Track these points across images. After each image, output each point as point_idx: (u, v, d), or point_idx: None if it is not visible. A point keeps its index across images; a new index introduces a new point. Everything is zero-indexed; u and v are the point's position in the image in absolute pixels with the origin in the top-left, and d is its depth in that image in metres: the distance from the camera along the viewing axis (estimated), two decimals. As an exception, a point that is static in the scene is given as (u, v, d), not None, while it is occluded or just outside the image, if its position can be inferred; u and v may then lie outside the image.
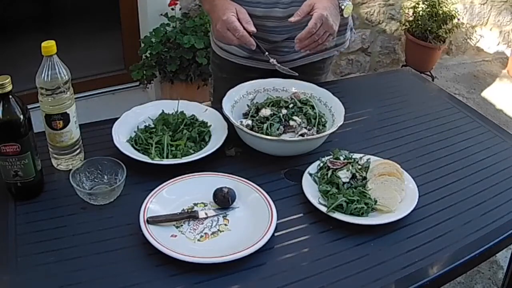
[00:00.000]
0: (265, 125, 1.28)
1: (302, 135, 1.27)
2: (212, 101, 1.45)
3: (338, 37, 1.55)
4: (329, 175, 1.18)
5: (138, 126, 1.31)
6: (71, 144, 1.18)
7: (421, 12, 3.49)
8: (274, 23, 1.44)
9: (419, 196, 1.15)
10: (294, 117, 1.30)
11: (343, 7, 1.37)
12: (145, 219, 1.03)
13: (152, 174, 1.18)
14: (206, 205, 1.12)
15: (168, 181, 1.14)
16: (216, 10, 1.35)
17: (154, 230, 1.02)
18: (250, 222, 1.08)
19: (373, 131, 1.44)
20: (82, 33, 3.23)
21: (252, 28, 1.32)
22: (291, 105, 1.34)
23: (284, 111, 1.32)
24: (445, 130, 1.47)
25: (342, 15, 1.38)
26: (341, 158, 1.23)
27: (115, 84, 3.20)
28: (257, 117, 1.31)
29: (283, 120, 1.29)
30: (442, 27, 3.47)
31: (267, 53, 1.37)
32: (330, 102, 1.36)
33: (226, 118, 1.30)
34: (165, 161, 1.20)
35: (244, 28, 1.31)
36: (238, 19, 1.31)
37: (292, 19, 1.34)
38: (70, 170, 1.13)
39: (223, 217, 1.10)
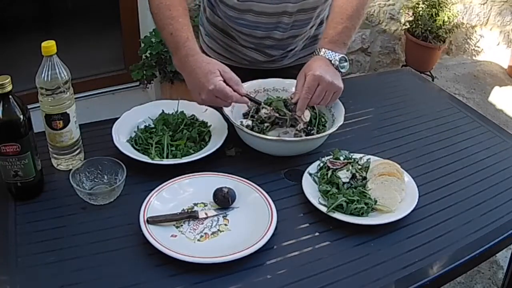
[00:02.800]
0: (265, 125, 1.28)
1: (302, 130, 1.26)
2: None
3: None
4: (329, 175, 1.18)
5: (138, 126, 1.31)
6: (71, 144, 1.18)
7: (421, 12, 3.49)
8: (273, 42, 1.45)
9: (419, 196, 1.15)
10: (265, 106, 1.31)
11: (343, 70, 1.29)
12: (145, 219, 1.03)
13: (152, 174, 1.18)
14: (206, 205, 1.12)
15: (168, 181, 1.14)
16: (194, 75, 1.19)
17: (154, 230, 1.02)
18: (250, 222, 1.08)
19: (373, 131, 1.44)
20: (82, 33, 3.23)
21: (243, 91, 1.21)
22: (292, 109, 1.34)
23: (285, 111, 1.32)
24: (445, 130, 1.47)
25: (340, 72, 1.30)
26: (341, 158, 1.23)
27: (115, 84, 3.20)
28: (257, 117, 1.31)
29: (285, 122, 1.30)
30: (442, 27, 3.47)
31: (262, 103, 1.30)
32: (330, 102, 1.36)
33: (226, 118, 1.30)
34: (165, 161, 1.20)
35: (234, 90, 1.19)
36: (224, 81, 1.18)
37: (293, 100, 1.27)
38: (70, 170, 1.13)
39: (223, 217, 1.10)
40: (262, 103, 1.30)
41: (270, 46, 1.46)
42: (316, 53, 1.31)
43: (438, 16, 3.45)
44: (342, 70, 1.29)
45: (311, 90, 1.24)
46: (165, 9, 1.26)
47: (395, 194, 1.14)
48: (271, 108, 1.29)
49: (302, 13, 1.38)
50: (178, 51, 1.23)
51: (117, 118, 1.32)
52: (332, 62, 1.28)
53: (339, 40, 1.30)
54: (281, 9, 1.35)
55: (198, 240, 1.03)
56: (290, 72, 1.52)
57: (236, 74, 1.23)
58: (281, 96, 1.39)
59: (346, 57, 1.31)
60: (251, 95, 1.30)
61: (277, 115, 1.29)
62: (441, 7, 3.46)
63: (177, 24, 1.24)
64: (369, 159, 1.24)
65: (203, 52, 1.50)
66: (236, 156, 1.29)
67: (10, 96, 1.02)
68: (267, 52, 1.48)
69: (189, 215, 1.08)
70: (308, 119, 1.28)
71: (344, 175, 1.18)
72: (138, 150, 1.24)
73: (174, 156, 1.22)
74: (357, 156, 1.25)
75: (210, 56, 1.38)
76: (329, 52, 1.28)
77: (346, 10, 1.32)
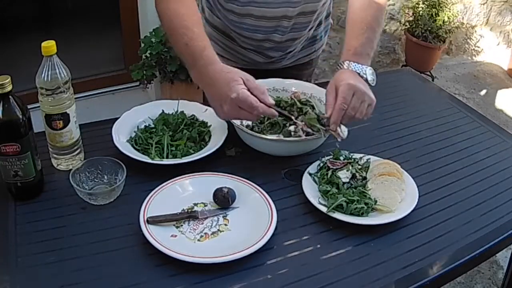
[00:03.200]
0: (265, 124, 1.28)
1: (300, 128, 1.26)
2: (203, 101, 1.35)
3: (326, 36, 1.58)
4: (329, 175, 1.18)
5: (138, 126, 1.31)
6: (71, 144, 1.18)
7: (421, 12, 3.49)
8: (272, 45, 1.45)
9: (419, 196, 1.15)
10: (297, 121, 1.30)
11: (373, 84, 1.22)
12: (145, 219, 1.03)
13: (152, 174, 1.18)
14: (206, 205, 1.12)
15: (168, 181, 1.14)
16: (214, 85, 1.10)
17: (154, 230, 1.02)
18: (250, 222, 1.08)
19: (373, 131, 1.44)
20: (82, 33, 3.23)
21: (271, 101, 1.10)
22: (293, 110, 1.34)
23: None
24: (445, 130, 1.47)
25: (368, 83, 1.22)
26: (341, 158, 1.23)
27: (115, 84, 3.20)
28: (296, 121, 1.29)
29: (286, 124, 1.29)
30: (442, 27, 3.47)
31: (293, 118, 1.21)
32: (330, 102, 1.36)
33: (226, 118, 1.29)
34: (165, 161, 1.20)
35: (261, 100, 1.09)
36: (249, 90, 1.08)
37: (327, 114, 1.16)
38: (70, 170, 1.13)
39: (223, 217, 1.10)
40: (293, 118, 1.21)
41: (270, 48, 1.46)
42: (340, 66, 1.23)
43: (438, 16, 3.46)
44: (373, 84, 1.22)
45: (347, 100, 1.13)
46: (178, 19, 1.19)
47: (395, 194, 1.14)
48: (303, 123, 1.21)
49: (302, 16, 1.38)
50: (196, 62, 1.14)
51: (117, 118, 1.32)
52: (361, 74, 1.20)
53: (363, 52, 1.24)
54: (281, 13, 1.35)
55: (198, 240, 1.03)
56: (289, 72, 1.53)
57: None
58: (281, 96, 1.38)
59: (373, 70, 1.24)
60: (283, 115, 1.21)
61: (310, 130, 1.21)
62: (441, 7, 3.46)
63: (191, 34, 1.16)
64: (369, 159, 1.24)
65: None
66: (236, 156, 1.29)
67: (10, 96, 1.02)
68: (266, 53, 1.48)
69: (189, 215, 1.08)
70: (346, 134, 1.18)
71: (344, 175, 1.18)
72: (138, 150, 1.24)
73: (174, 156, 1.22)
74: (357, 156, 1.25)
75: None
76: (354, 65, 1.21)
77: (365, 19, 1.26)
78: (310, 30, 1.48)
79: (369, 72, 1.22)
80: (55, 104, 1.11)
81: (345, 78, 1.17)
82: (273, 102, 1.12)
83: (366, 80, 1.21)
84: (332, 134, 1.18)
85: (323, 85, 1.46)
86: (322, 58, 3.33)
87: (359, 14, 1.28)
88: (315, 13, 1.41)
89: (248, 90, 1.08)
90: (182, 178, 1.16)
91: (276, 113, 1.12)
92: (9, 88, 1.02)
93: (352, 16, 1.30)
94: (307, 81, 1.53)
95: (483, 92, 3.74)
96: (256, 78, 1.41)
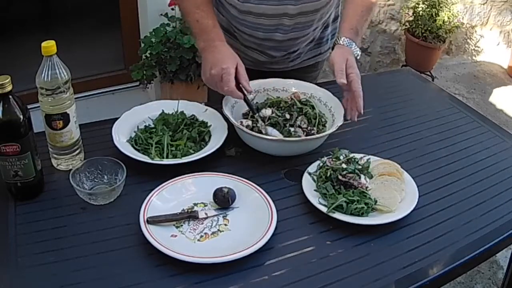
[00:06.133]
0: (265, 123, 1.28)
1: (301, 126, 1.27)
2: (206, 103, 1.43)
3: (333, 40, 1.57)
4: (328, 175, 1.18)
5: (138, 126, 1.31)
6: (71, 144, 1.18)
7: (421, 12, 3.49)
8: (274, 44, 1.45)
9: (419, 196, 1.15)
10: (297, 122, 1.31)
11: (358, 57, 1.36)
12: (145, 219, 1.03)
13: (152, 174, 1.18)
14: (206, 205, 1.12)
15: (168, 181, 1.14)
16: (215, 54, 1.28)
17: (154, 230, 1.02)
18: (250, 222, 1.08)
19: (373, 131, 1.44)
20: (82, 33, 3.23)
21: (250, 89, 1.27)
22: (293, 110, 1.34)
23: (287, 115, 1.32)
24: (445, 130, 1.47)
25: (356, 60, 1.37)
26: (341, 157, 1.23)
27: (115, 84, 3.20)
28: (256, 117, 1.31)
29: (287, 125, 1.30)
30: (442, 27, 3.47)
31: (256, 114, 1.30)
32: (330, 102, 1.36)
33: (226, 118, 1.30)
34: (165, 161, 1.20)
35: (241, 85, 1.26)
36: (237, 73, 1.25)
37: (342, 82, 1.26)
38: (70, 170, 1.13)
39: (223, 217, 1.10)
40: (256, 114, 1.29)
41: (272, 48, 1.46)
42: (337, 41, 1.36)
43: (438, 16, 3.46)
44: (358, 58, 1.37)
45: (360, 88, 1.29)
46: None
47: (395, 194, 1.14)
48: (264, 124, 1.28)
49: (303, 15, 1.38)
50: (205, 34, 1.31)
51: (117, 118, 1.32)
52: (353, 51, 1.34)
53: (360, 32, 1.38)
54: (281, 11, 1.35)
55: (198, 240, 1.03)
56: (293, 75, 1.52)
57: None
58: (281, 96, 1.39)
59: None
60: (252, 101, 1.32)
61: (274, 115, 1.31)
62: (441, 7, 3.46)
63: (202, 12, 1.33)
64: (369, 159, 1.24)
65: None
66: (236, 156, 1.29)
67: (10, 96, 1.02)
68: (268, 53, 1.48)
69: (189, 215, 1.08)
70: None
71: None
72: (138, 150, 1.24)
73: (174, 156, 1.22)
74: (357, 156, 1.25)
75: None
76: (347, 41, 1.35)
77: (365, 1, 1.41)
78: (314, 30, 1.48)
79: (359, 52, 1.37)
80: (55, 104, 1.11)
81: (344, 53, 1.31)
82: (250, 90, 1.28)
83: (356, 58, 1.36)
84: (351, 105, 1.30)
85: (323, 85, 1.47)
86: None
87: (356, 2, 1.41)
88: (317, 13, 1.40)
89: (236, 73, 1.25)
90: (182, 178, 1.16)
91: (241, 96, 1.25)
92: (9, 88, 1.02)
93: (349, 4, 1.42)
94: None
95: (483, 92, 3.74)
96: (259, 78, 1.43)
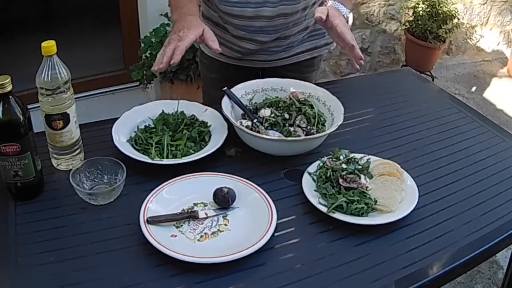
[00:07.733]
0: (265, 124, 1.28)
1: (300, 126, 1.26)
2: (202, 102, 1.43)
3: (327, 36, 1.56)
4: (328, 175, 1.18)
5: (138, 126, 1.31)
6: (71, 144, 1.18)
7: (421, 12, 3.49)
8: (263, 23, 1.43)
9: (419, 196, 1.15)
10: (296, 121, 1.31)
11: (349, 19, 1.37)
12: (145, 219, 1.03)
13: (152, 174, 1.18)
14: (206, 205, 1.12)
15: (168, 181, 1.14)
16: (183, 22, 1.30)
17: (154, 230, 1.02)
18: (250, 222, 1.08)
19: (373, 131, 1.44)
20: (82, 33, 3.23)
21: (217, 47, 1.27)
22: (292, 109, 1.34)
23: (286, 115, 1.32)
24: (445, 130, 1.47)
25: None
26: (341, 157, 1.23)
27: (115, 84, 3.20)
28: (256, 117, 1.31)
29: (287, 125, 1.30)
30: (442, 27, 3.47)
31: (255, 119, 1.32)
32: (328, 101, 1.36)
33: (226, 118, 1.30)
34: (165, 161, 1.20)
35: (208, 45, 1.28)
36: (204, 39, 1.27)
37: (319, 16, 1.29)
38: (70, 170, 1.13)
39: (223, 217, 1.10)
40: (256, 119, 1.31)
41: (261, 30, 1.44)
42: (326, 3, 1.39)
43: (438, 16, 3.45)
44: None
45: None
46: None
47: (395, 194, 1.14)
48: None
49: None
50: (180, 9, 1.34)
51: (117, 118, 1.32)
52: (344, 15, 1.35)
53: None
54: None
55: (198, 240, 1.03)
56: (291, 74, 1.52)
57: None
58: (279, 96, 1.39)
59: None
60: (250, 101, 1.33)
61: (273, 115, 1.32)
62: (441, 7, 3.46)
63: None
64: (369, 159, 1.24)
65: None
66: (236, 156, 1.29)
67: (10, 96, 1.02)
68: (257, 39, 1.47)
69: (189, 215, 1.08)
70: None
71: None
72: (138, 150, 1.24)
73: (174, 156, 1.22)
74: (357, 156, 1.25)
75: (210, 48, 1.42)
76: (340, 6, 1.36)
77: None
78: (304, 10, 1.46)
79: (349, 15, 1.39)
80: (55, 104, 1.11)
81: (337, 15, 1.32)
82: (219, 49, 1.28)
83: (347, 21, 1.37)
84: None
85: (322, 85, 1.47)
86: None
87: None
88: None
89: (203, 38, 1.27)
90: (182, 178, 1.16)
91: (184, 49, 1.24)
92: (9, 88, 1.02)
93: None
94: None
95: (483, 92, 3.74)
96: (256, 78, 1.42)
